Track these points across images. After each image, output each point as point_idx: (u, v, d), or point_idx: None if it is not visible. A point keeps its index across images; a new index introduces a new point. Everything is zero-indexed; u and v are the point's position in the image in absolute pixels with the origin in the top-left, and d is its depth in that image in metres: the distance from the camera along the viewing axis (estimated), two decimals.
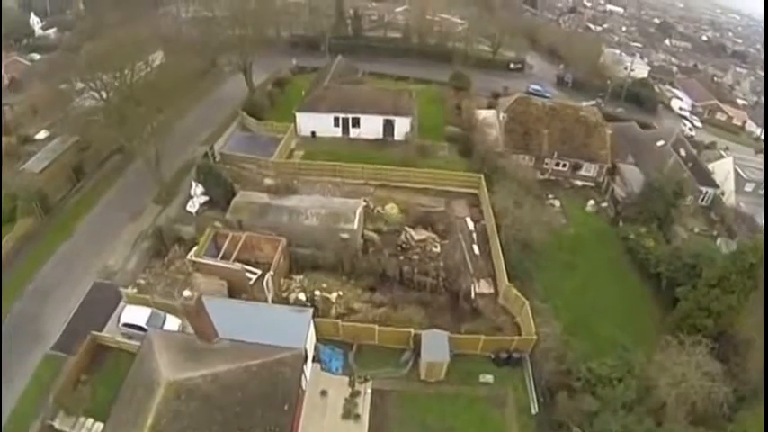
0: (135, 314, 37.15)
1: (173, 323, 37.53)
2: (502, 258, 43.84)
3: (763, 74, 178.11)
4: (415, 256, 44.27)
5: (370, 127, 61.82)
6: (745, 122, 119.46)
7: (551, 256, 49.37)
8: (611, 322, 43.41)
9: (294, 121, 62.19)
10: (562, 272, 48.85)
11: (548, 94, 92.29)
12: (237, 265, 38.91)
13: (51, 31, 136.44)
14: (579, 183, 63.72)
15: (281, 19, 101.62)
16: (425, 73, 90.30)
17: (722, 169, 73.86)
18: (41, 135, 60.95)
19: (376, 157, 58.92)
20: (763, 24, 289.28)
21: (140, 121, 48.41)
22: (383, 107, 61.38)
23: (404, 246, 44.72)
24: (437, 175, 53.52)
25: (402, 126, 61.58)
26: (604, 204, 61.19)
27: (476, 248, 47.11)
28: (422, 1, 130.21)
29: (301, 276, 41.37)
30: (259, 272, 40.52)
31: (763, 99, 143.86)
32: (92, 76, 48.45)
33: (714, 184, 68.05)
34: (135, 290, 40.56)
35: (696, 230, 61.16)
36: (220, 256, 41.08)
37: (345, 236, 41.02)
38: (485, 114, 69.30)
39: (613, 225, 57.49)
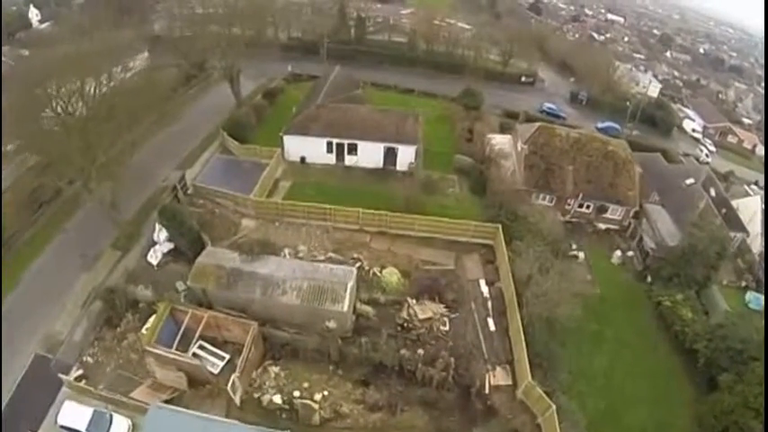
0: (75, 414, 29.03)
1: (120, 426, 28.79)
2: (523, 340, 33.88)
3: (762, 91, 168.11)
4: (419, 338, 33.87)
5: (369, 155, 51.12)
6: (755, 146, 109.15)
7: (577, 327, 39.47)
8: (642, 409, 36.02)
9: (281, 145, 51.24)
10: (589, 346, 39.77)
11: (562, 114, 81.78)
12: (195, 361, 28.74)
13: (47, 25, 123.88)
14: (603, 226, 53.50)
15: (279, 18, 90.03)
16: (432, 85, 79.55)
17: (747, 208, 63.46)
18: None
19: (374, 191, 48.70)
20: (758, 39, 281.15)
21: (102, 142, 38.14)
22: (385, 132, 50.53)
23: (405, 325, 34.22)
24: (446, 224, 42.65)
25: (406, 155, 50.97)
26: (630, 253, 51.14)
27: (491, 323, 36.91)
28: (428, 5, 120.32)
29: (277, 369, 31.01)
30: (227, 356, 31.07)
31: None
32: (53, 85, 38.11)
33: (743, 229, 57.84)
34: (80, 371, 32.02)
35: (724, 282, 51.34)
36: (180, 334, 30.90)
37: (332, 325, 30.42)
38: (499, 141, 58.63)
39: (641, 280, 47.90)
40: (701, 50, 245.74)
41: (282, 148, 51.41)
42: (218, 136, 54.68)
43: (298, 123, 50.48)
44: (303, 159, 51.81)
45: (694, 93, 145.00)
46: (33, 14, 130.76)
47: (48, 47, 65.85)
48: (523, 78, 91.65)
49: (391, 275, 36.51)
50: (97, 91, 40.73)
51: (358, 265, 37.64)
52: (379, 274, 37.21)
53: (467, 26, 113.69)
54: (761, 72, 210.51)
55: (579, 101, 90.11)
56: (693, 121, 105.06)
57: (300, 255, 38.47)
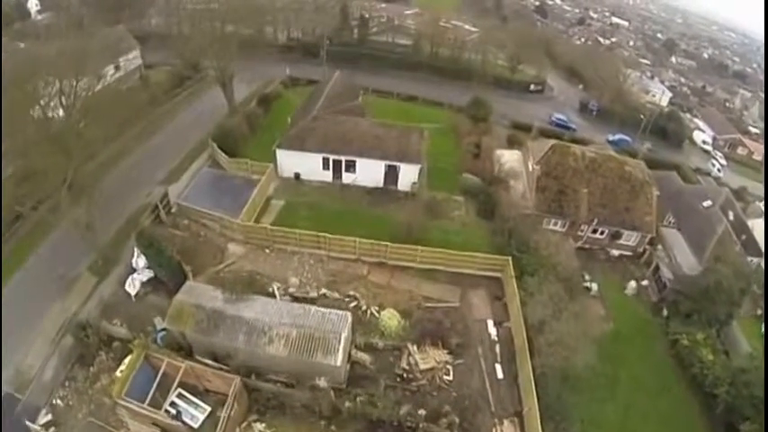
0: None
1: None
2: (534, 392, 30.17)
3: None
4: (419, 389, 30.22)
5: (369, 173, 47.19)
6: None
7: (590, 371, 35.73)
8: None
9: (274, 160, 47.38)
10: (603, 392, 35.88)
11: (573, 125, 77.89)
12: (170, 420, 25.04)
13: (47, 15, 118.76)
14: (616, 252, 49.79)
15: (278, 17, 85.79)
16: (437, 92, 75.51)
17: (761, 228, 59.90)
18: None
19: (373, 214, 44.98)
20: (759, 43, 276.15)
21: (80, 153, 34.42)
22: (386, 149, 46.59)
23: (405, 375, 30.53)
24: (451, 255, 38.79)
25: (408, 174, 47.09)
26: (645, 282, 47.38)
27: (499, 369, 33.26)
28: (433, 5, 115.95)
29: (262, 426, 27.38)
30: (208, 409, 27.56)
31: None
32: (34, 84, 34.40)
33: (760, 253, 54.16)
34: (49, 416, 28.52)
35: (741, 312, 47.66)
36: (157, 381, 27.24)
37: (323, 384, 26.69)
38: (508, 158, 54.81)
39: (656, 313, 44.13)
40: (705, 55, 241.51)
41: (275, 163, 47.55)
42: (208, 146, 50.60)
43: (292, 137, 46.52)
44: (298, 176, 47.96)
45: (701, 100, 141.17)
46: (33, 3, 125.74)
47: (41, 40, 62.35)
48: (532, 87, 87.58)
49: (391, 319, 32.67)
50: (81, 93, 37.06)
51: (354, 304, 33.91)
52: (377, 315, 33.40)
53: (473, 29, 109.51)
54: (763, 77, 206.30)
55: (590, 111, 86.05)
56: (704, 132, 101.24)
57: (291, 290, 34.66)
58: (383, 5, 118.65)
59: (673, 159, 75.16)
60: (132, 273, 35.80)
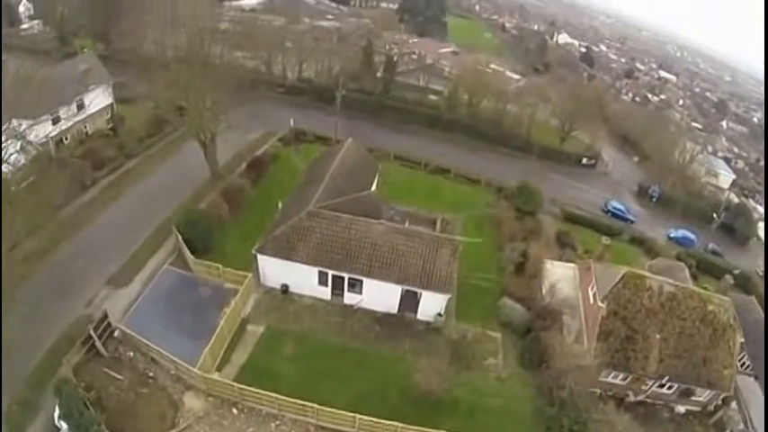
0: None
1: None
2: None
3: None
4: None
5: (380, 296, 35.77)
6: None
7: None
8: None
9: (255, 265, 36.26)
10: None
11: (631, 217, 66.24)
12: None
13: (35, 24, 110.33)
14: (682, 408, 38.45)
15: (291, 46, 75.55)
16: (474, 162, 63.98)
17: None
18: None
19: (381, 353, 34.14)
20: None
21: None
22: (405, 268, 34.92)
23: None
24: None
25: (432, 304, 35.64)
26: None
27: None
28: (470, 45, 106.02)
29: None
30: None
31: None
32: None
33: None
34: None
35: None
36: None
37: None
38: (560, 276, 43.11)
39: None
40: (756, 119, 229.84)
41: (256, 268, 36.34)
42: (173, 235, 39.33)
43: (279, 239, 34.97)
44: (285, 289, 36.56)
45: (757, 176, 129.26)
46: (23, 8, 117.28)
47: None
48: (584, 160, 76.00)
49: None
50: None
51: None
52: None
53: (515, 75, 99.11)
54: None
55: (650, 197, 74.26)
56: None
57: None
58: (415, 40, 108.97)
59: (740, 263, 63.37)
60: None
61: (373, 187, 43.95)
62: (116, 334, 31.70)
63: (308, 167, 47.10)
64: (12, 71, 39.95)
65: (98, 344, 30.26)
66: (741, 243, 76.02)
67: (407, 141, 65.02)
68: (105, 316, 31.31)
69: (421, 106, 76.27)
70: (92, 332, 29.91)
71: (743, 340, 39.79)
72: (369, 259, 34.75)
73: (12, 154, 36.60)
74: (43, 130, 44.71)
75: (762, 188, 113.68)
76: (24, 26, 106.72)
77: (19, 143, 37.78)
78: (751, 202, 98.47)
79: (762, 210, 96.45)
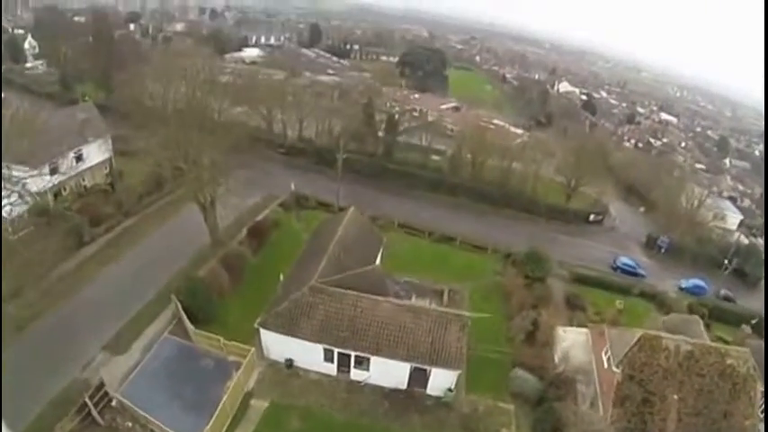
0: None
1: None
2: None
3: None
4: None
5: (388, 373, 35.06)
6: None
7: None
8: None
9: (258, 339, 35.79)
10: None
11: (641, 271, 65.31)
12: None
13: (39, 63, 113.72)
14: None
15: (291, 101, 76.19)
16: (480, 228, 63.53)
17: None
18: None
19: (389, 431, 32.82)
20: None
21: None
22: (413, 346, 34.26)
23: None
24: None
25: (441, 379, 34.86)
26: None
27: None
28: (471, 99, 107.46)
29: None
30: None
31: None
32: None
33: None
34: None
35: None
36: None
37: None
38: (572, 341, 42.42)
39: None
40: (757, 153, 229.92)
41: (259, 342, 35.80)
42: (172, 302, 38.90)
43: (282, 315, 34.53)
44: (290, 363, 35.93)
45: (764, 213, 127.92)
46: (29, 45, 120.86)
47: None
48: (592, 217, 75.37)
49: None
50: None
51: None
52: None
53: (518, 130, 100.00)
54: None
55: (658, 249, 73.43)
56: None
57: None
58: (416, 96, 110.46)
59: (753, 305, 62.53)
60: None
61: (378, 260, 43.58)
62: (113, 403, 31.11)
63: (310, 237, 47.05)
64: (12, 109, 40.34)
65: (94, 412, 29.75)
66: (753, 284, 74.67)
67: (411, 206, 65.06)
68: (102, 384, 30.99)
69: (424, 169, 76.25)
70: (87, 400, 29.49)
71: (763, 389, 38.66)
72: (376, 337, 34.18)
73: (9, 204, 36.60)
74: (41, 180, 44.35)
75: None
76: (29, 65, 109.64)
77: (16, 193, 37.81)
78: (760, 241, 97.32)
79: None
